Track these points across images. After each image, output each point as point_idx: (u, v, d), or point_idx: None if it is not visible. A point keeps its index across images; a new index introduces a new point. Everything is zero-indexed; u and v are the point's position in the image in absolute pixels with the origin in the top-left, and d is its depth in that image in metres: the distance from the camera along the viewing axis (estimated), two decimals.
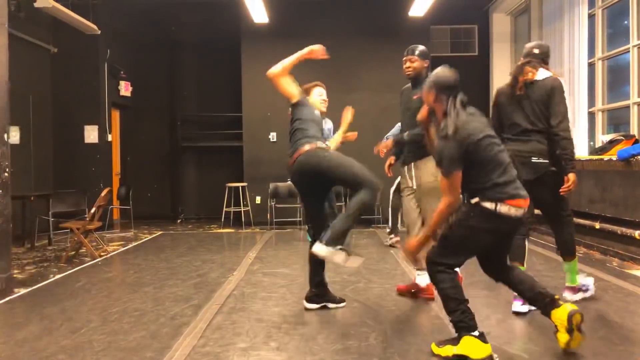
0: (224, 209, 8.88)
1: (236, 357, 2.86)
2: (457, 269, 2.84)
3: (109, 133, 9.13)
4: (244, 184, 9.00)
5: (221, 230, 8.53)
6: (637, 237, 5.19)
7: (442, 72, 2.85)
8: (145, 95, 10.08)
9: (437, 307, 3.75)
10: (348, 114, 4.07)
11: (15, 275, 5.00)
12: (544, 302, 2.81)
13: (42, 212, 7.14)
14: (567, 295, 3.83)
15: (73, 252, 6.22)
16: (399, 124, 4.42)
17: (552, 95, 3.51)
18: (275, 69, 3.74)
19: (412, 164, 3.83)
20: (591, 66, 7.08)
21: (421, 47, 3.91)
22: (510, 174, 2.74)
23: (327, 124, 6.75)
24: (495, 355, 2.71)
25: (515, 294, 3.21)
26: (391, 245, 6.39)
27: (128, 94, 9.70)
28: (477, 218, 2.70)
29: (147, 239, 7.52)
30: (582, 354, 2.84)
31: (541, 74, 3.59)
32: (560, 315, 2.74)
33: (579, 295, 3.83)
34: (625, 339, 3.05)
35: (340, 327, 3.34)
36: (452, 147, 2.67)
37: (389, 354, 2.87)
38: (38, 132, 8.11)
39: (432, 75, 2.89)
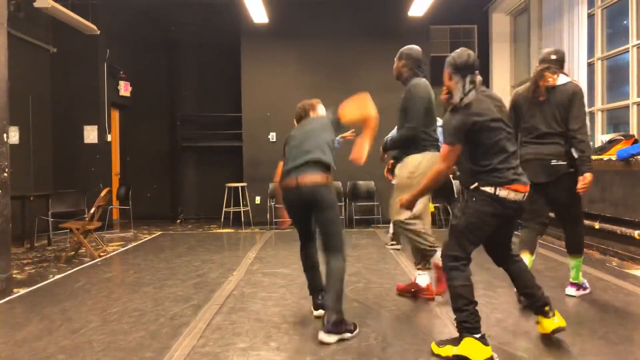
0: (224, 209, 8.87)
1: (236, 357, 2.86)
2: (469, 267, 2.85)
3: (109, 133, 9.13)
4: (244, 184, 9.00)
5: (221, 231, 8.53)
6: (637, 237, 5.19)
7: (457, 52, 2.90)
8: (144, 95, 10.07)
9: (437, 307, 3.75)
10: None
11: (14, 276, 4.99)
12: (535, 305, 2.94)
13: (41, 212, 7.14)
14: (571, 291, 3.94)
15: (72, 253, 6.21)
16: None
17: (574, 100, 3.64)
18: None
19: (398, 163, 3.91)
20: (590, 66, 7.08)
21: (403, 48, 3.98)
22: (511, 162, 2.78)
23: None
24: (495, 355, 2.71)
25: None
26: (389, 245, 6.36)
27: (127, 94, 9.69)
28: (479, 202, 2.76)
29: (146, 239, 7.52)
30: (582, 353, 2.85)
31: (561, 79, 3.72)
32: (546, 326, 2.93)
33: (580, 292, 3.95)
34: (625, 339, 3.05)
35: None
36: (458, 119, 2.76)
37: (389, 354, 2.87)
38: (37, 132, 8.10)
39: (449, 56, 2.94)
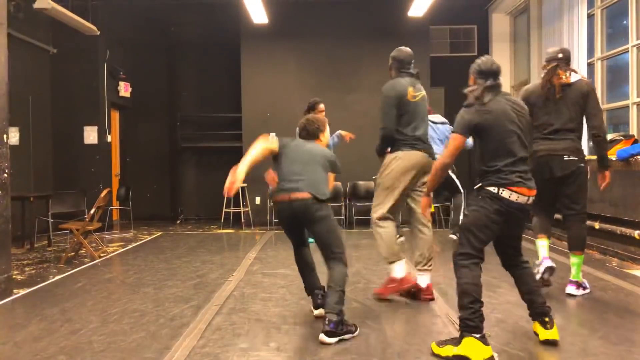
0: (224, 210, 8.88)
1: (236, 357, 2.86)
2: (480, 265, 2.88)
3: (109, 134, 9.13)
4: (244, 184, 8.99)
5: (221, 231, 8.53)
6: (637, 237, 5.19)
7: (481, 60, 3.06)
8: (144, 95, 10.08)
9: (437, 307, 3.75)
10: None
11: (14, 276, 5.00)
12: (534, 311, 2.96)
13: (41, 213, 7.14)
14: (572, 289, 3.95)
15: (72, 253, 6.21)
16: None
17: (589, 97, 3.81)
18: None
19: None
20: (590, 66, 7.08)
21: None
22: (518, 166, 2.85)
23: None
24: (495, 355, 2.71)
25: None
26: None
27: (127, 94, 9.70)
28: (483, 200, 2.85)
29: (146, 239, 7.51)
30: (582, 353, 2.85)
31: (573, 76, 3.85)
32: (539, 332, 2.94)
33: (580, 291, 3.96)
34: (625, 339, 3.05)
35: None
36: (469, 112, 2.91)
37: (388, 354, 2.86)
38: (37, 133, 8.11)
39: (475, 62, 3.11)
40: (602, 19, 6.99)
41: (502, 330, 3.22)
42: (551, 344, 2.93)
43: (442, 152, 5.87)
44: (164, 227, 9.06)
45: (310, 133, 3.59)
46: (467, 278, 2.77)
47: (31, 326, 3.48)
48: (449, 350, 2.76)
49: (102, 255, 6.20)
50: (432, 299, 3.87)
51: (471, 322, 2.70)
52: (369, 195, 8.80)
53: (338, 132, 6.57)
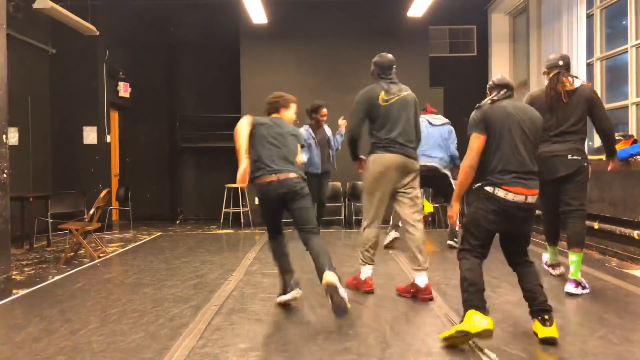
0: (223, 210, 8.88)
1: (236, 357, 2.86)
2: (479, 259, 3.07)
3: (108, 134, 9.13)
4: (243, 185, 8.98)
5: (220, 231, 8.53)
6: (636, 237, 5.20)
7: (498, 78, 3.35)
8: (144, 96, 10.08)
9: (436, 307, 3.75)
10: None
11: (14, 277, 4.99)
12: (533, 309, 3.00)
13: (40, 213, 7.13)
14: (570, 288, 3.97)
15: (72, 253, 6.21)
16: None
17: (594, 102, 4.08)
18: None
19: None
20: (590, 66, 7.09)
21: None
22: (514, 168, 2.96)
23: (328, 132, 6.79)
24: (494, 355, 2.71)
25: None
26: (387, 247, 6.21)
27: (127, 94, 9.70)
28: (481, 201, 3.02)
29: (146, 240, 7.51)
30: (582, 353, 2.85)
31: (575, 82, 4.11)
32: (538, 330, 2.96)
33: (579, 290, 3.97)
34: (625, 339, 3.05)
35: (340, 327, 3.34)
36: (476, 112, 3.14)
37: (388, 354, 2.86)
38: (37, 133, 8.10)
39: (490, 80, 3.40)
40: (602, 19, 6.99)
41: (502, 330, 3.21)
42: (550, 342, 2.93)
43: (443, 156, 5.88)
44: (163, 228, 9.06)
45: (273, 105, 3.99)
46: (464, 267, 3.02)
47: (30, 326, 3.48)
48: (452, 329, 2.94)
49: (101, 255, 6.20)
50: (431, 299, 3.87)
51: (471, 302, 2.90)
52: None
53: (340, 128, 6.62)
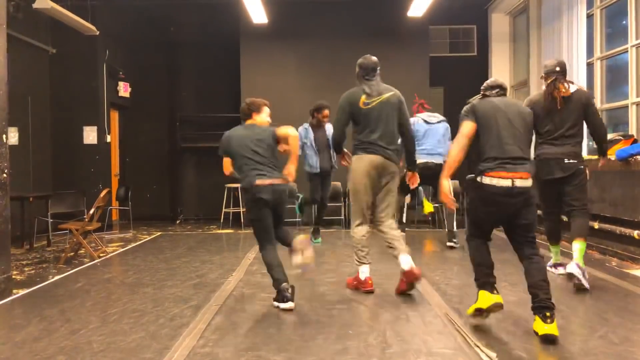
0: (223, 210, 8.87)
1: (236, 357, 2.86)
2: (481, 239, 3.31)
3: (108, 134, 9.13)
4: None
5: (220, 231, 8.53)
6: (636, 237, 5.20)
7: (491, 80, 3.56)
8: (144, 96, 10.07)
9: (436, 307, 3.75)
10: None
11: (14, 277, 4.99)
12: (535, 305, 3.01)
13: (41, 213, 7.13)
14: (573, 268, 4.03)
15: (72, 253, 6.21)
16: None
17: (589, 108, 4.28)
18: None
19: None
20: (590, 66, 7.09)
21: None
22: (500, 155, 3.10)
23: (329, 130, 6.79)
24: (494, 355, 2.71)
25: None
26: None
27: (127, 94, 9.70)
28: (471, 189, 3.24)
29: (146, 239, 7.51)
30: (582, 353, 2.85)
31: (571, 87, 4.28)
32: (538, 327, 2.98)
33: (580, 275, 4.03)
34: (625, 339, 3.05)
35: (340, 327, 3.34)
36: (467, 106, 3.40)
37: (388, 354, 2.87)
38: (37, 133, 8.10)
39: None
40: (602, 18, 6.99)
41: (502, 330, 3.22)
42: (549, 339, 2.93)
43: (444, 152, 5.90)
44: (163, 227, 9.06)
45: (246, 113, 4.49)
46: (471, 249, 3.31)
47: (30, 326, 3.48)
48: (472, 308, 3.23)
49: (101, 255, 6.20)
50: (417, 279, 3.94)
51: (479, 280, 3.19)
52: None
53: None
